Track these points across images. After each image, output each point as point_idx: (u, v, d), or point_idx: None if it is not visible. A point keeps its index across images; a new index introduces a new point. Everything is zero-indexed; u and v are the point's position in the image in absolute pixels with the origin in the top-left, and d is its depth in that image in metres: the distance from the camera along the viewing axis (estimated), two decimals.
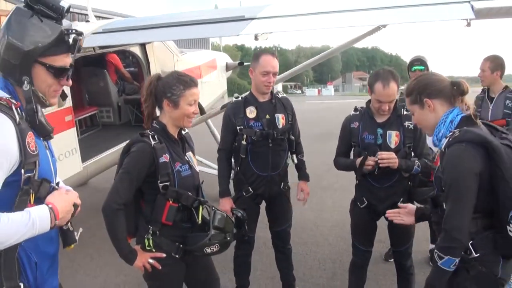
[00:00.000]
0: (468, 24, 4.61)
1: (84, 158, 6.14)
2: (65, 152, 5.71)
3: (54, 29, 2.05)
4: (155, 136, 2.97)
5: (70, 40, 2.09)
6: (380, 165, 3.71)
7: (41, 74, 2.08)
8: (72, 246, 2.32)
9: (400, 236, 4.02)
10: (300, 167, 4.59)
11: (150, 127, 3.09)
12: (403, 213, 3.17)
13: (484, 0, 4.64)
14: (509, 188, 2.37)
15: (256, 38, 5.29)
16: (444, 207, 2.55)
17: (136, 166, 2.91)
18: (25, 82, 2.02)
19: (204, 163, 8.62)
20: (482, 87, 5.32)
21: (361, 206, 4.08)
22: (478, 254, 2.50)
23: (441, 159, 2.58)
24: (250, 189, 4.28)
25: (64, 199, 2.12)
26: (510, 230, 2.40)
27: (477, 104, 5.17)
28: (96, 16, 8.52)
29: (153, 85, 3.07)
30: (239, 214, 3.48)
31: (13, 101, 1.99)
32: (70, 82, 2.21)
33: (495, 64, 5.14)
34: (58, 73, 2.11)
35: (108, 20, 7.83)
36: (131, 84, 8.77)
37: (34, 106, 2.05)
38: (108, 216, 2.84)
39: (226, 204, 4.16)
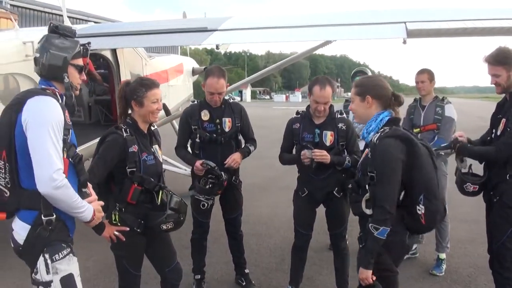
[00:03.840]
0: (404, 42, 5.27)
1: None
2: None
3: (75, 43, 3.00)
4: (127, 130, 3.58)
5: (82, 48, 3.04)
6: (315, 160, 4.35)
7: (72, 72, 2.97)
8: None
9: (335, 220, 4.68)
10: (242, 148, 5.04)
11: (124, 122, 3.68)
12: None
13: (417, 22, 5.28)
14: (423, 176, 3.07)
15: (217, 47, 5.91)
16: (367, 188, 3.20)
17: (109, 153, 3.52)
18: (65, 77, 2.92)
19: (170, 162, 9.14)
20: (415, 98, 5.98)
21: (302, 195, 4.72)
22: (390, 227, 3.11)
23: (373, 149, 3.19)
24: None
25: (99, 210, 3.05)
26: (418, 209, 3.08)
27: (409, 111, 5.83)
28: (69, 17, 8.81)
29: (122, 90, 3.74)
30: (209, 166, 4.50)
31: (57, 90, 2.88)
32: (85, 77, 3.14)
33: (431, 75, 5.79)
34: (81, 70, 3.04)
35: (82, 25, 8.23)
36: (101, 85, 9.16)
37: (72, 92, 2.97)
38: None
39: (198, 163, 4.62)
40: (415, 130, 5.53)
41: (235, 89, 9.37)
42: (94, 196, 3.06)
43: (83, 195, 2.93)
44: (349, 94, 6.47)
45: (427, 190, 3.08)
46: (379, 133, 3.19)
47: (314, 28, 5.76)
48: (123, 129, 3.57)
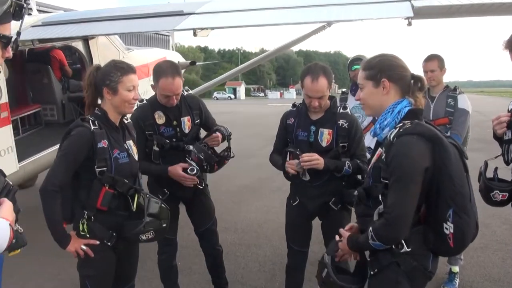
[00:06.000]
0: (409, 24, 4.58)
1: (21, 158, 5.89)
2: (0, 151, 5.47)
3: None
4: (95, 122, 3.00)
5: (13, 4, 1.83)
6: (304, 167, 3.59)
7: None
8: (19, 250, 2.08)
9: (332, 237, 3.89)
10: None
11: (92, 114, 3.10)
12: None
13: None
14: (453, 186, 2.34)
15: (194, 34, 5.14)
16: (380, 198, 2.50)
17: (73, 149, 2.95)
18: None
19: None
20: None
21: (293, 204, 3.96)
22: (409, 249, 2.45)
23: (388, 149, 2.47)
24: (166, 191, 4.12)
25: (11, 212, 1.89)
26: (446, 228, 2.37)
27: (424, 102, 5.11)
28: (40, 11, 8.23)
29: (92, 76, 3.11)
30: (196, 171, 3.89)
31: None
32: (10, 54, 1.94)
33: (442, 62, 5.07)
34: (8, 43, 1.87)
35: (49, 14, 7.58)
36: (75, 81, 8.50)
37: None
38: (44, 198, 2.89)
39: (179, 169, 3.93)
40: None
41: (221, 81, 8.80)
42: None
43: None
44: (344, 90, 5.77)
45: (457, 204, 2.34)
46: (397, 129, 2.45)
47: (308, 9, 5.16)
48: (90, 121, 2.99)
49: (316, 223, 4.06)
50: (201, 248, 4.46)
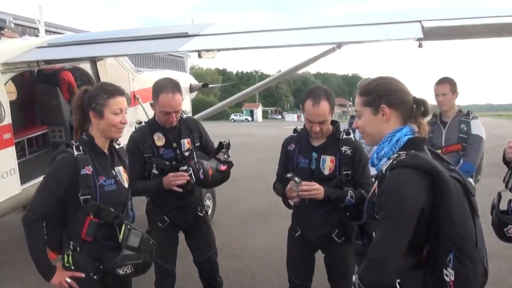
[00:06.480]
0: (420, 45, 4.41)
1: (24, 180, 5.78)
2: (1, 173, 5.36)
3: None
4: (80, 147, 2.90)
5: None
6: (302, 196, 3.41)
7: None
8: None
9: (335, 272, 3.69)
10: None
11: (79, 139, 3.02)
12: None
13: (434, 20, 4.47)
14: (453, 228, 2.06)
15: (199, 55, 5.03)
16: (373, 236, 2.24)
17: (56, 176, 2.86)
18: None
19: None
20: (434, 113, 5.07)
21: (294, 235, 3.77)
22: None
23: (380, 182, 2.23)
24: (166, 218, 4.00)
25: None
26: (446, 274, 2.09)
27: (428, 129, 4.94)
28: (49, 31, 8.18)
29: (80, 98, 3.02)
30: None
31: None
32: None
33: (454, 85, 4.92)
34: None
35: (58, 35, 7.54)
36: None
37: None
38: (26, 227, 2.80)
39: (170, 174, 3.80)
40: None
41: (236, 100, 8.76)
42: None
43: None
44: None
45: (458, 248, 2.06)
46: (391, 161, 2.21)
47: (316, 31, 5.02)
48: (74, 147, 2.89)
49: (320, 254, 3.87)
50: (200, 280, 4.29)
